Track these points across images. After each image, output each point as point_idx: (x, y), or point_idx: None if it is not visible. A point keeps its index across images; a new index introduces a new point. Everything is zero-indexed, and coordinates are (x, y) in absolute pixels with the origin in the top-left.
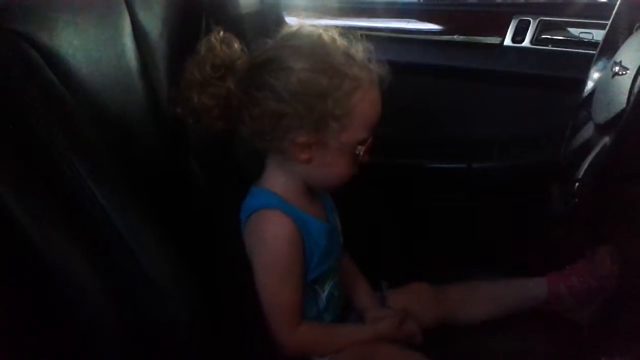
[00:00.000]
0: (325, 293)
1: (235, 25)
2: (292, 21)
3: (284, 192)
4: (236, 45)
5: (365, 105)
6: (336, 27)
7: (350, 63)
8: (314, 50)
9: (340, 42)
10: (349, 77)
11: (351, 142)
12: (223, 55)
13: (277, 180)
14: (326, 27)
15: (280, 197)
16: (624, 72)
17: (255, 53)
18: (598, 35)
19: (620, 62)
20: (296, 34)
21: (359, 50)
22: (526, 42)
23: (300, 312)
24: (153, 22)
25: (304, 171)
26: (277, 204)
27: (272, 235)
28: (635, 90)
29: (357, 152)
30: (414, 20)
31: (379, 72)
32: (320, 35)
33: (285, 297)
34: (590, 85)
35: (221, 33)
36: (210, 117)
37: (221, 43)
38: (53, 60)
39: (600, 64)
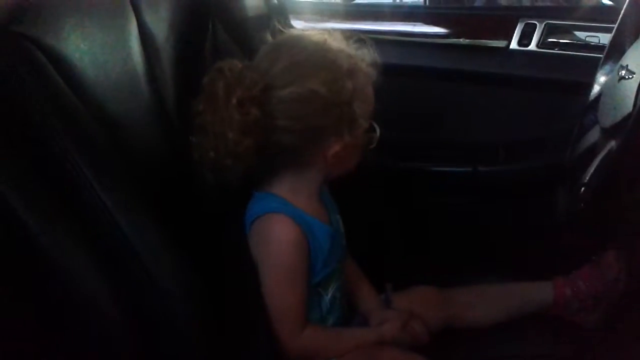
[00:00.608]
0: (329, 296)
1: (242, 28)
2: (297, 24)
3: (290, 196)
4: (246, 70)
5: (371, 97)
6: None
7: (356, 60)
8: (326, 57)
9: (340, 40)
10: (362, 74)
11: (363, 133)
12: (244, 88)
13: (284, 184)
14: (320, 28)
15: (286, 201)
16: (631, 76)
17: (270, 73)
18: (604, 38)
19: (627, 66)
20: (300, 43)
21: (352, 45)
22: (532, 46)
23: (305, 316)
24: (159, 26)
25: (322, 172)
26: (282, 208)
27: (278, 239)
28: None
29: (370, 138)
30: (419, 23)
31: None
32: (325, 40)
33: (291, 301)
34: (596, 89)
35: (231, 66)
36: (248, 152)
37: (237, 76)
38: (59, 62)
39: (606, 67)
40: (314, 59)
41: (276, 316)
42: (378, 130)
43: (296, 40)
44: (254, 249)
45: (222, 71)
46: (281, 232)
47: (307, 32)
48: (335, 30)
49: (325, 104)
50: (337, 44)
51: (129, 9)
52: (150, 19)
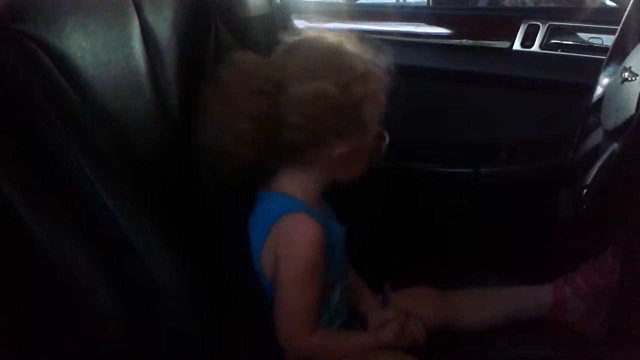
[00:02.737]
0: (336, 297)
1: (244, 28)
2: (300, 25)
3: (303, 195)
4: (262, 65)
5: (382, 102)
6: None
7: (370, 65)
8: (341, 59)
9: (355, 44)
10: (375, 79)
11: (372, 139)
12: (259, 81)
13: (294, 184)
14: (336, 31)
15: (302, 201)
16: (634, 78)
17: (286, 70)
18: (608, 40)
19: (630, 68)
20: (317, 43)
21: (367, 50)
22: (535, 47)
23: (318, 316)
24: (162, 25)
25: (328, 174)
26: (304, 209)
27: (304, 239)
28: None
29: (378, 145)
30: (423, 24)
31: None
32: (341, 42)
33: (308, 300)
34: (599, 90)
35: (248, 58)
36: (256, 144)
37: (253, 69)
38: (61, 61)
39: (609, 69)
40: (330, 60)
41: (291, 315)
42: (387, 139)
43: (313, 41)
44: (277, 249)
45: (238, 63)
46: (307, 232)
47: (324, 34)
48: (351, 32)
49: (336, 105)
50: (353, 47)
51: (131, 7)
52: (152, 18)
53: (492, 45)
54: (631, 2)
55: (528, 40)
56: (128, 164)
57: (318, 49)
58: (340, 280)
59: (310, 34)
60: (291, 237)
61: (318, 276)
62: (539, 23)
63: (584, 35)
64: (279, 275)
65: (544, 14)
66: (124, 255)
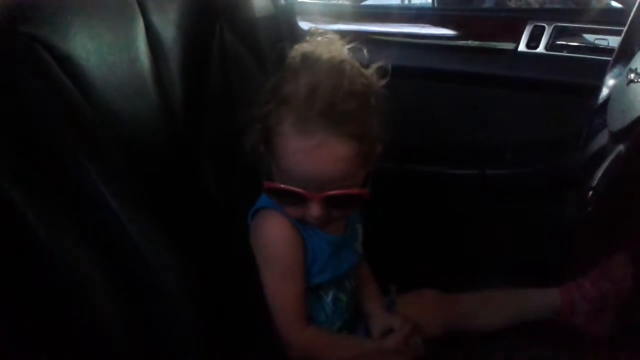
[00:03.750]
0: (330, 298)
1: (249, 29)
2: (305, 26)
3: None
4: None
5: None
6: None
7: (370, 81)
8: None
9: (352, 61)
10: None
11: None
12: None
13: None
14: (335, 45)
15: None
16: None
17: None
18: (613, 41)
19: (636, 69)
20: (317, 66)
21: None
22: (541, 48)
23: (305, 313)
24: (167, 27)
25: None
26: (274, 205)
27: (270, 234)
28: None
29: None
30: (428, 25)
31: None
32: (341, 62)
33: (287, 296)
34: (605, 92)
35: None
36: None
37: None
38: (66, 63)
39: (615, 70)
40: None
41: (275, 310)
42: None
43: (313, 62)
44: (252, 244)
45: None
46: (273, 227)
47: (324, 55)
48: (346, 51)
49: None
50: (352, 67)
51: (136, 9)
52: (157, 19)
53: (497, 47)
54: (637, 3)
55: (533, 41)
56: (132, 164)
57: (318, 71)
58: (335, 285)
59: (310, 53)
60: (257, 232)
61: (295, 271)
62: (544, 24)
63: (589, 37)
64: (259, 271)
65: (550, 15)
66: (126, 255)
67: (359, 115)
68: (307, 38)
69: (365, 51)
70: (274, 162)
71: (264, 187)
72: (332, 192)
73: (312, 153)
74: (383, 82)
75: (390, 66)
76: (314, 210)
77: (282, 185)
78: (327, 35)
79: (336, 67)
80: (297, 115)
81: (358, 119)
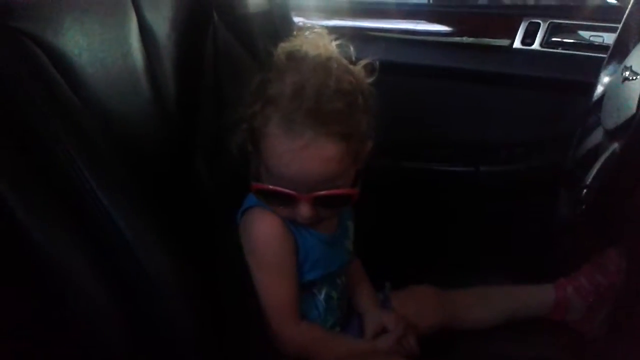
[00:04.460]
0: (323, 295)
1: (243, 25)
2: (299, 21)
3: None
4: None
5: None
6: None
7: (359, 78)
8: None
9: (339, 58)
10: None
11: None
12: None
13: None
14: (322, 41)
15: None
16: (635, 78)
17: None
18: (609, 38)
19: (631, 67)
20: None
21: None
22: (536, 45)
23: (298, 310)
24: (160, 23)
25: None
26: (262, 203)
27: (260, 232)
28: None
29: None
30: (423, 21)
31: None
32: (328, 59)
33: (279, 293)
34: (600, 89)
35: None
36: None
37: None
38: (58, 59)
39: (610, 68)
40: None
41: (267, 308)
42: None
43: (299, 61)
44: (244, 244)
45: None
46: (263, 225)
47: (310, 53)
48: (334, 48)
49: None
50: (339, 64)
51: (130, 5)
52: (150, 15)
53: (493, 43)
54: (632, 0)
55: (528, 38)
56: (124, 160)
57: (305, 71)
58: (327, 282)
59: (297, 51)
60: (248, 231)
61: (286, 269)
62: (539, 21)
63: (584, 34)
64: (251, 270)
65: (545, 11)
66: (120, 255)
67: (346, 114)
68: (295, 33)
69: (351, 47)
70: (262, 163)
71: (252, 188)
72: (322, 192)
73: (299, 154)
74: (371, 78)
75: (384, 62)
76: (304, 210)
77: (271, 186)
78: (315, 30)
79: (322, 66)
80: (283, 116)
81: (346, 118)
